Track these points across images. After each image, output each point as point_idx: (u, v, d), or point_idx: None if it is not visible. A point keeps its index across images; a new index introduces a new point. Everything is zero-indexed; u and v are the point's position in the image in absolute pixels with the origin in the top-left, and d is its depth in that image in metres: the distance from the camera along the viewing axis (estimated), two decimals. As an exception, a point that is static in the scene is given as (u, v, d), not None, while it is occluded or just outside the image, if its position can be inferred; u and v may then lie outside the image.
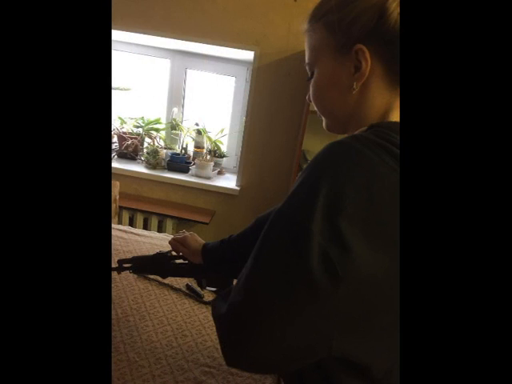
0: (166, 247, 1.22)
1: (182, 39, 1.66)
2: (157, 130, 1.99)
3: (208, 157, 1.91)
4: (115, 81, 1.96)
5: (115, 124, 1.99)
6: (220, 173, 1.96)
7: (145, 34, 1.67)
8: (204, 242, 0.77)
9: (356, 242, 0.32)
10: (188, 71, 1.96)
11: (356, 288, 0.33)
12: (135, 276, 1.02)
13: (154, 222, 1.78)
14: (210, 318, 0.87)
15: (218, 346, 0.74)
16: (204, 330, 0.84)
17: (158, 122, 1.99)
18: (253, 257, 0.37)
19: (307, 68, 0.47)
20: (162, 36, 1.66)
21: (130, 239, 1.24)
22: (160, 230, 1.79)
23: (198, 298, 0.95)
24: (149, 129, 1.98)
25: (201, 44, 1.66)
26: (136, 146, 1.94)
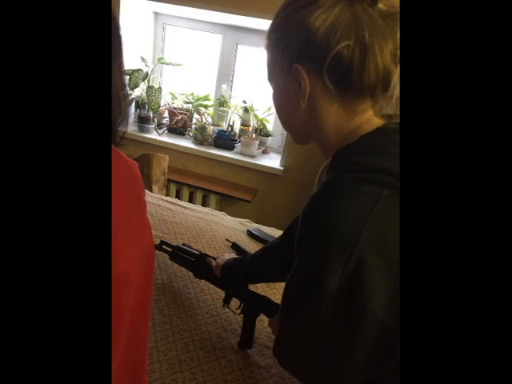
0: (210, 221, 1.26)
1: (234, 13, 1.63)
2: (205, 107, 2.02)
3: (253, 135, 1.91)
4: (168, 56, 2.00)
5: (166, 99, 2.05)
6: (265, 152, 1.96)
7: (197, 7, 1.66)
8: (229, 258, 0.78)
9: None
10: (239, 47, 1.94)
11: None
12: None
13: (199, 196, 1.84)
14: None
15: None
16: (242, 303, 0.87)
17: (206, 98, 2.01)
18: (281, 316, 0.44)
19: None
20: (213, 10, 1.64)
21: (177, 211, 1.29)
22: (204, 204, 1.85)
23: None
24: (198, 105, 2.01)
25: (252, 18, 1.62)
26: (185, 121, 1.99)
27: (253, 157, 1.85)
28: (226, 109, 1.98)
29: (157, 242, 0.93)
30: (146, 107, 1.89)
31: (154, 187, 1.68)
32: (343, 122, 0.44)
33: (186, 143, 1.90)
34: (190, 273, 0.90)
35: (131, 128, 1.92)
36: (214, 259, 0.81)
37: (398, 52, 0.38)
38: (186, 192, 1.85)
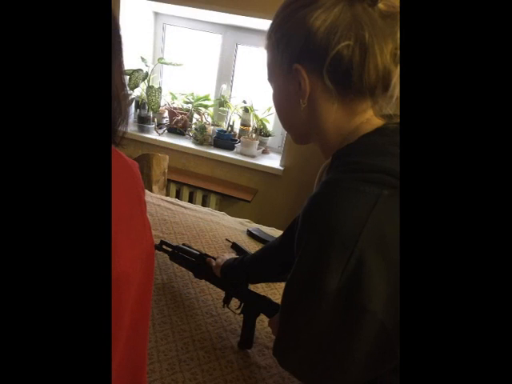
0: (210, 221, 1.26)
1: (234, 13, 1.63)
2: (205, 107, 2.02)
3: (253, 135, 1.91)
4: (168, 56, 2.00)
5: (166, 99, 2.05)
6: (265, 152, 1.96)
7: (197, 7, 1.66)
8: (229, 258, 0.78)
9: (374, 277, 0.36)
10: (239, 47, 1.94)
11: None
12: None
13: (199, 196, 1.84)
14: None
15: (255, 320, 0.76)
16: (242, 303, 0.87)
17: (206, 98, 2.01)
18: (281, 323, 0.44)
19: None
20: (213, 10, 1.64)
21: (177, 211, 1.29)
22: (204, 204, 1.85)
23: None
24: (198, 105, 2.01)
25: (253, 18, 1.62)
26: (185, 121, 1.99)
27: (253, 157, 1.85)
28: (226, 109, 1.98)
29: (157, 242, 0.92)
30: (146, 107, 1.89)
31: (154, 187, 1.68)
32: (343, 122, 0.44)
33: (186, 143, 1.90)
34: (190, 273, 0.90)
35: (131, 128, 1.92)
36: (214, 259, 0.81)
37: (398, 52, 0.38)
38: (186, 192, 1.85)
